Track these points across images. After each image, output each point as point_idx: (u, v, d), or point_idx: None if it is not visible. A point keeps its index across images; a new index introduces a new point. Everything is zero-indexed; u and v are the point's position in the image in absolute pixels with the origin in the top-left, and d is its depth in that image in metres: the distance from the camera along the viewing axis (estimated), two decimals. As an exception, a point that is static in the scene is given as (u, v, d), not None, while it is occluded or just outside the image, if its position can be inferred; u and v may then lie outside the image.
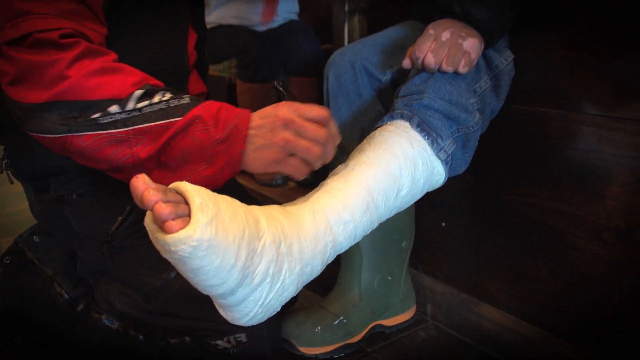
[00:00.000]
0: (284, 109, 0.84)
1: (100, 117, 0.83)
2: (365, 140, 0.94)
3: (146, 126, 0.83)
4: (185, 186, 0.67)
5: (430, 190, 0.97)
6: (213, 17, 2.26)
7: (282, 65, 2.32)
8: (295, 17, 2.39)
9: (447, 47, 0.96)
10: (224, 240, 0.67)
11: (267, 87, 2.28)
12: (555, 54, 1.10)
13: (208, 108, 0.85)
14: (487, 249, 1.27)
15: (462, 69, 0.96)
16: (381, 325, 1.35)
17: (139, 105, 0.83)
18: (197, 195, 0.66)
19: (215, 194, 0.71)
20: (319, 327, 1.26)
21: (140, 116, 0.83)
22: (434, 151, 0.93)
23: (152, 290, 1.07)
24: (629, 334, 1.03)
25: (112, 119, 0.83)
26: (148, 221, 0.67)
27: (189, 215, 0.65)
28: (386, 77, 1.23)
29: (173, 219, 0.63)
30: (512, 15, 1.06)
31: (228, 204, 0.72)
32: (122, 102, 0.83)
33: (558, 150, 1.09)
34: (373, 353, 1.29)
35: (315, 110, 0.85)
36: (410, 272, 1.42)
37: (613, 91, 1.01)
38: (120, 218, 1.08)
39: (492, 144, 1.17)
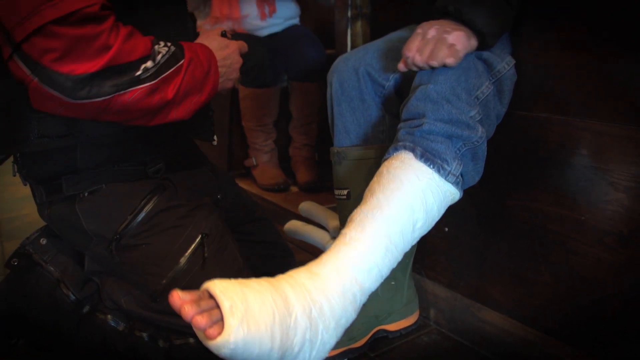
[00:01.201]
0: (238, 56, 1.22)
1: (141, 73, 0.99)
2: (374, 179, 0.97)
3: (167, 73, 1.02)
4: (215, 289, 0.77)
5: (446, 207, 1.00)
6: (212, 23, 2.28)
7: (285, 70, 2.33)
8: (297, 22, 2.41)
9: (432, 43, 1.01)
10: (257, 333, 0.76)
11: (270, 91, 2.30)
12: (557, 59, 1.10)
13: (192, 49, 1.09)
14: (489, 254, 1.28)
15: (448, 60, 0.98)
16: (384, 330, 1.36)
17: (159, 57, 1.01)
18: (226, 298, 0.76)
19: (243, 286, 0.79)
20: (323, 331, 1.26)
21: (162, 66, 1.02)
22: (442, 177, 0.95)
23: (158, 289, 1.08)
24: (631, 338, 1.04)
25: (148, 73, 0.99)
26: (196, 329, 0.76)
27: (222, 319, 0.75)
28: (389, 83, 1.24)
29: (210, 327, 0.73)
30: (509, 16, 1.07)
31: (255, 292, 0.79)
32: (151, 57, 1.00)
33: (560, 155, 1.10)
34: (376, 358, 1.30)
35: (245, 47, 1.26)
36: (413, 277, 1.42)
37: (615, 96, 1.02)
38: (129, 217, 1.10)
39: (495, 150, 1.18)
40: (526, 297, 1.21)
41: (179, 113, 1.09)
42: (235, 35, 2.26)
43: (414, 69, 1.05)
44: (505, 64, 1.08)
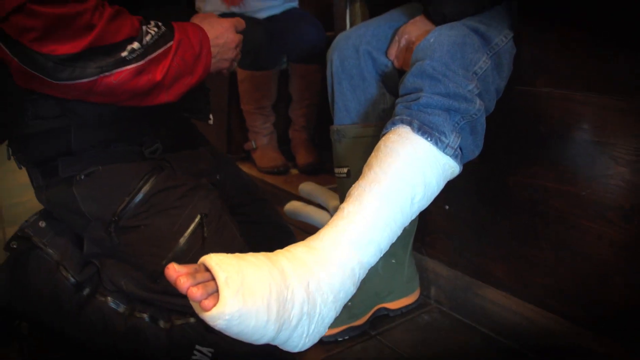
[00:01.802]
0: (234, 34, 1.19)
1: (127, 54, 0.98)
2: (372, 154, 0.96)
3: (155, 55, 1.01)
4: (210, 262, 0.76)
5: (449, 179, 0.98)
6: (211, 5, 2.25)
7: (285, 52, 2.31)
8: (295, 5, 2.38)
9: (404, 51, 1.18)
10: (253, 305, 0.75)
11: (268, 74, 2.28)
12: (558, 33, 1.09)
13: (182, 30, 1.08)
14: (490, 232, 1.28)
15: None
16: (385, 309, 1.36)
17: (147, 38, 1.00)
18: (222, 270, 0.75)
19: (239, 259, 0.79)
20: (324, 310, 1.26)
21: (150, 47, 1.01)
22: (439, 150, 0.93)
23: (157, 270, 1.08)
24: (632, 314, 1.03)
25: (135, 54, 0.98)
26: (191, 300, 0.75)
27: (218, 291, 0.74)
28: (390, 61, 1.23)
29: (206, 299, 0.72)
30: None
31: (252, 265, 0.79)
32: (138, 38, 0.99)
33: (561, 130, 1.09)
34: (377, 336, 1.30)
35: (242, 23, 1.25)
36: (414, 255, 1.42)
37: (617, 70, 1.01)
38: (126, 198, 1.09)
39: (495, 126, 1.17)
40: (527, 274, 1.21)
41: (169, 95, 1.08)
42: (234, 15, 2.24)
43: None
44: (503, 37, 1.06)
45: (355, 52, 1.25)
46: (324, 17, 2.36)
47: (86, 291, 1.19)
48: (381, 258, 1.29)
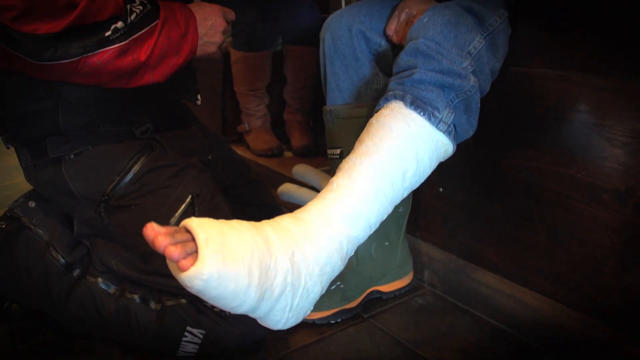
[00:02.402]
0: (221, 18, 1.17)
1: (111, 34, 0.96)
2: (365, 129, 0.94)
3: (139, 34, 0.99)
4: (191, 223, 0.73)
5: (442, 160, 0.97)
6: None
7: (280, 33, 2.29)
8: None
9: (403, 25, 1.15)
10: (233, 267, 0.71)
11: (262, 55, 2.26)
12: (554, 13, 1.08)
13: (168, 9, 1.07)
14: (484, 214, 1.27)
15: None
16: (378, 291, 1.35)
17: (132, 16, 0.99)
18: (202, 230, 0.72)
19: (222, 223, 0.76)
20: (316, 293, 1.25)
21: (134, 26, 0.99)
22: (432, 125, 0.92)
23: (148, 250, 1.07)
24: (626, 297, 1.03)
25: (119, 34, 0.97)
26: (169, 262, 0.72)
27: (197, 252, 0.71)
28: (383, 41, 1.21)
29: (184, 259, 0.69)
30: None
31: (234, 229, 0.76)
32: (122, 17, 0.98)
33: (557, 112, 1.08)
34: (370, 319, 1.29)
35: (232, 14, 1.23)
36: (407, 238, 1.41)
37: (614, 51, 1.00)
38: (116, 178, 1.08)
39: (490, 108, 1.16)
40: (521, 257, 1.21)
41: (155, 76, 1.06)
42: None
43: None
44: (497, 17, 1.05)
45: (348, 31, 1.23)
46: (320, -2, 2.33)
47: (76, 272, 1.18)
48: (374, 240, 1.29)
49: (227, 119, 2.53)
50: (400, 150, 0.89)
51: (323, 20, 2.19)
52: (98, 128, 1.11)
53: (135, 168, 1.10)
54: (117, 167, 1.10)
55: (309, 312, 0.84)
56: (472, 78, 0.96)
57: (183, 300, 1.11)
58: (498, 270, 1.26)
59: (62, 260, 1.18)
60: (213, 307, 1.09)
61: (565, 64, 1.07)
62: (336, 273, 0.86)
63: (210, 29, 1.15)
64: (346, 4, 1.76)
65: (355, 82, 1.24)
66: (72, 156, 1.10)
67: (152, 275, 1.10)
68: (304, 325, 1.25)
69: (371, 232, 0.90)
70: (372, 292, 1.34)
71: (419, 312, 1.32)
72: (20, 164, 1.18)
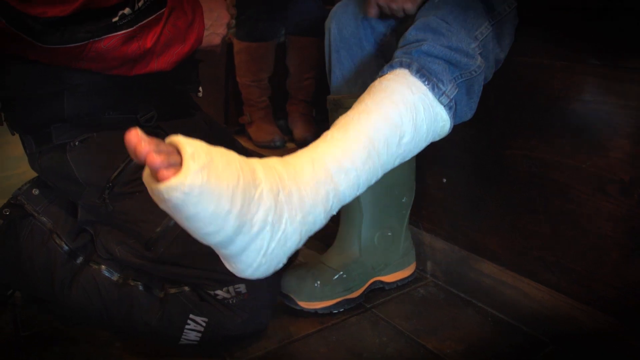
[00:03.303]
0: (226, 11, 1.16)
1: (118, 20, 0.96)
2: (365, 91, 0.93)
3: (146, 21, 0.99)
4: (178, 138, 0.67)
5: (437, 138, 0.96)
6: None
7: (283, 24, 2.28)
8: None
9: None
10: (216, 187, 0.67)
11: (265, 46, 2.25)
12: (560, 3, 1.07)
13: (175, 1, 1.06)
14: (487, 205, 1.27)
15: (406, 6, 1.06)
16: (381, 282, 1.35)
17: (139, 3, 0.99)
18: (189, 145, 0.67)
19: (210, 146, 0.71)
20: (319, 282, 1.26)
21: (141, 13, 0.99)
22: (435, 96, 0.91)
23: (151, 237, 1.07)
24: (630, 288, 1.03)
25: (126, 20, 0.97)
26: (145, 174, 0.67)
27: (181, 165, 0.65)
28: (388, 30, 1.21)
29: (165, 168, 0.64)
30: None
31: (222, 153, 0.71)
32: (130, 3, 0.98)
33: (561, 102, 1.08)
34: (372, 309, 1.30)
35: (232, 8, 1.20)
36: (410, 229, 1.41)
37: (619, 40, 0.99)
38: (121, 165, 1.08)
39: (494, 98, 1.16)
40: (524, 248, 1.20)
41: (160, 63, 1.06)
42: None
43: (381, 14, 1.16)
44: (506, 5, 1.04)
45: (354, 19, 1.23)
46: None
47: (79, 259, 1.19)
48: (378, 231, 1.29)
49: (229, 110, 2.52)
50: (399, 112, 0.87)
51: (325, 11, 2.20)
52: (103, 115, 1.11)
53: None
54: (121, 154, 1.09)
55: (281, 264, 0.79)
56: (479, 59, 0.96)
57: (186, 288, 1.11)
58: (500, 261, 1.26)
59: (66, 247, 1.18)
60: (216, 294, 1.09)
61: (569, 54, 1.06)
62: (317, 227, 0.82)
63: (216, 20, 1.14)
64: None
65: (360, 72, 1.24)
66: (76, 143, 1.10)
67: (155, 263, 1.10)
68: (306, 315, 1.25)
69: (357, 194, 0.86)
70: (374, 282, 1.34)
71: (421, 302, 1.32)
72: (25, 150, 1.18)
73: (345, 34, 1.24)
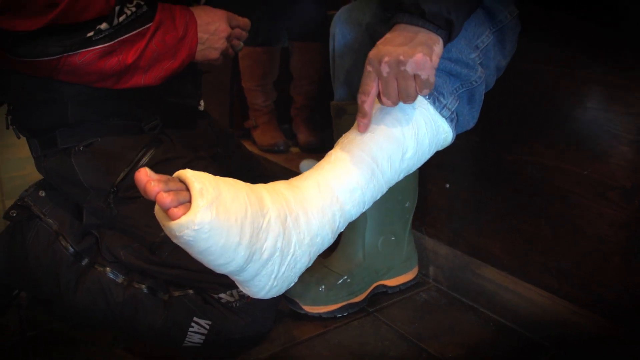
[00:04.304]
0: (225, 24, 1.13)
1: (94, 34, 0.95)
2: None
3: (128, 36, 0.98)
4: (186, 173, 0.71)
5: (440, 149, 0.97)
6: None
7: (286, 29, 2.29)
8: None
9: (393, 82, 0.85)
10: (225, 221, 0.70)
11: (270, 50, 2.26)
12: (562, 10, 1.08)
13: (166, 12, 1.04)
14: (490, 210, 1.27)
15: (423, 93, 0.86)
16: (384, 286, 1.36)
17: (120, 19, 0.97)
18: (197, 181, 0.70)
19: (218, 178, 0.74)
20: (323, 286, 1.26)
21: (122, 28, 0.97)
22: (436, 109, 0.92)
23: (156, 241, 1.08)
24: (632, 294, 1.04)
25: (102, 35, 0.96)
26: (157, 210, 0.70)
27: (190, 201, 0.69)
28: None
29: (175, 207, 0.67)
30: None
31: (229, 185, 0.74)
32: (108, 18, 0.96)
33: (564, 109, 1.09)
34: (375, 312, 1.30)
35: (241, 21, 1.20)
36: (413, 234, 1.42)
37: (621, 47, 1.00)
38: (125, 169, 1.09)
39: (497, 104, 1.17)
40: (526, 253, 1.21)
41: (148, 78, 1.05)
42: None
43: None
44: (508, 13, 1.04)
45: (358, 25, 1.23)
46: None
47: (85, 261, 1.20)
48: (381, 235, 1.30)
49: (234, 114, 2.54)
50: (402, 129, 0.88)
51: (328, 16, 2.21)
52: (107, 121, 1.12)
53: (144, 160, 1.11)
54: (126, 159, 1.11)
55: (292, 283, 0.83)
56: (480, 69, 0.97)
57: (190, 291, 1.12)
58: (503, 266, 1.27)
59: (71, 249, 1.19)
60: (220, 298, 1.10)
61: (571, 61, 1.07)
62: (325, 246, 0.85)
63: (213, 34, 1.12)
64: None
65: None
66: (81, 148, 1.11)
67: (160, 266, 1.11)
68: (309, 318, 1.26)
69: (364, 210, 0.89)
70: (377, 286, 1.35)
71: (423, 307, 1.33)
72: (32, 153, 1.20)
73: (349, 40, 1.25)
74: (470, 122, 1.00)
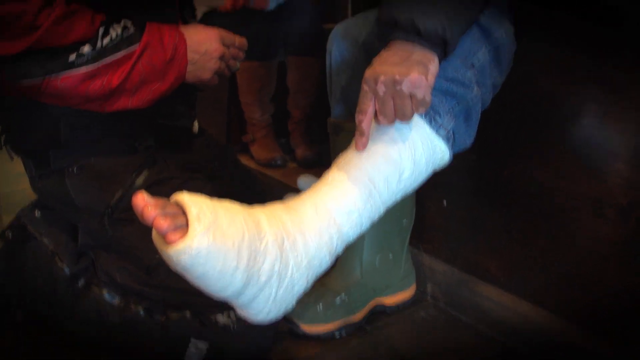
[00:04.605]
0: (218, 43, 1.11)
1: (75, 58, 0.94)
2: None
3: (112, 60, 0.96)
4: (183, 198, 0.71)
5: (437, 169, 0.96)
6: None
7: (282, 44, 2.29)
8: None
9: (389, 101, 0.85)
10: (222, 246, 0.70)
11: (267, 65, 2.27)
12: (558, 29, 1.09)
13: (153, 32, 1.02)
14: (487, 228, 1.27)
15: (419, 112, 0.86)
16: (382, 305, 1.35)
17: (105, 41, 0.96)
18: (194, 205, 0.70)
19: (215, 202, 0.74)
20: (321, 305, 1.26)
21: (106, 51, 0.96)
22: (432, 129, 0.92)
23: (152, 263, 1.08)
24: (629, 313, 1.03)
25: (84, 58, 0.94)
26: (154, 235, 0.70)
27: (187, 226, 0.69)
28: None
29: (172, 232, 0.67)
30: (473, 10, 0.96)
31: (226, 210, 0.75)
32: (92, 41, 0.95)
33: (561, 126, 1.09)
34: (373, 331, 1.30)
35: (237, 40, 1.16)
36: (410, 251, 1.42)
37: (617, 66, 1.00)
38: (121, 190, 1.09)
39: (492, 122, 1.16)
40: (523, 270, 1.21)
41: (134, 101, 1.04)
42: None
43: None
44: (503, 31, 1.05)
45: (355, 42, 1.23)
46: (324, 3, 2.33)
47: (81, 282, 1.19)
48: (378, 253, 1.30)
49: (231, 129, 2.54)
50: (398, 150, 0.88)
51: (324, 30, 2.21)
52: (100, 141, 1.12)
53: (139, 181, 1.11)
54: (120, 180, 1.10)
55: (290, 306, 0.82)
56: (475, 88, 0.97)
57: (188, 313, 1.12)
58: (500, 284, 1.26)
59: (67, 270, 1.19)
60: (217, 320, 1.09)
61: (568, 79, 1.07)
62: (323, 269, 0.85)
63: (204, 54, 1.10)
64: (353, 12, 1.76)
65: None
66: (74, 169, 1.10)
67: (156, 288, 1.11)
68: (307, 337, 1.25)
69: (361, 232, 0.89)
70: (376, 305, 1.34)
71: (421, 324, 1.32)
72: (26, 172, 1.19)
73: (345, 57, 1.25)
74: (467, 141, 1.00)
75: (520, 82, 1.13)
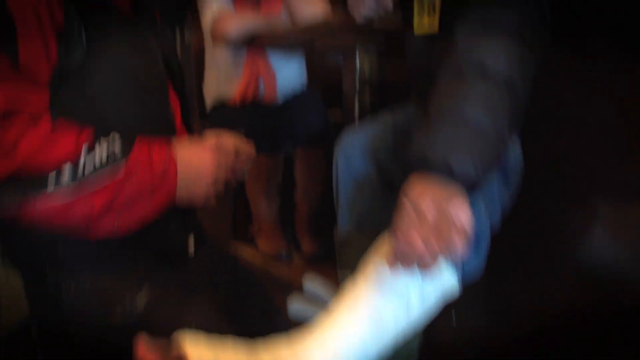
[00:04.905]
0: (211, 166, 1.03)
1: (54, 189, 0.88)
2: (370, 255, 0.93)
3: (96, 188, 0.89)
4: (184, 346, 0.73)
5: (445, 301, 0.93)
6: (214, 93, 2.28)
7: (290, 136, 2.31)
8: (301, 88, 2.37)
9: (437, 229, 0.78)
10: None
11: (274, 157, 2.28)
12: (570, 142, 1.08)
13: (142, 153, 0.95)
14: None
15: (463, 253, 0.80)
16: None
17: (87, 169, 0.89)
18: (195, 352, 0.72)
19: (217, 349, 0.75)
20: None
21: (89, 178, 0.89)
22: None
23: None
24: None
25: (66, 188, 0.88)
26: None
27: None
28: (399, 169, 1.20)
29: None
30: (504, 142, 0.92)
31: (229, 356, 0.76)
32: (73, 168, 0.89)
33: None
34: None
35: (242, 150, 1.11)
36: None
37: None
38: (119, 311, 1.04)
39: (502, 248, 1.13)
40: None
41: (121, 226, 0.96)
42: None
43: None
44: (511, 152, 1.03)
45: (362, 153, 1.22)
46: (331, 96, 2.36)
47: None
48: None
49: (237, 220, 2.53)
50: (406, 284, 0.87)
51: (334, 124, 2.22)
52: (92, 262, 1.07)
53: (137, 301, 1.05)
54: (118, 301, 1.05)
55: None
56: (485, 216, 0.95)
57: None
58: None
59: None
60: None
61: (584, 193, 1.06)
62: None
63: (196, 175, 1.02)
64: (360, 111, 1.77)
65: (368, 207, 1.22)
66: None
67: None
68: None
69: None
70: None
71: None
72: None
73: (353, 166, 1.23)
74: (476, 272, 0.98)
75: (532, 203, 1.11)
